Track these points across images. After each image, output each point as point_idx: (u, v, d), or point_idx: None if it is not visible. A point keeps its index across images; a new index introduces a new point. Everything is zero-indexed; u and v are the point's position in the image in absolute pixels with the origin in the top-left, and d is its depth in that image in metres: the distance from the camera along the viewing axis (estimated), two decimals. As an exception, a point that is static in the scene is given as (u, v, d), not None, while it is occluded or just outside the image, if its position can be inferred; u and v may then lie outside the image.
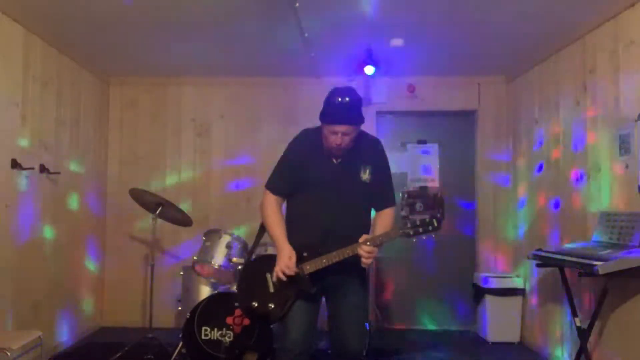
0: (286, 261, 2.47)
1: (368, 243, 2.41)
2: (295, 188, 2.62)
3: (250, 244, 3.73)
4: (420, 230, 2.40)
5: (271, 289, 2.55)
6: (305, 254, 2.50)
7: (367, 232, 2.54)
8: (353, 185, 2.58)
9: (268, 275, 2.56)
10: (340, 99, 2.46)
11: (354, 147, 2.55)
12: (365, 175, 2.59)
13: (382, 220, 2.65)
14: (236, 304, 2.70)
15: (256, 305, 2.55)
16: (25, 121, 3.90)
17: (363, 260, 2.42)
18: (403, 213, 5.05)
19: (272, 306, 2.52)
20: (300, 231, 2.57)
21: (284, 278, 2.47)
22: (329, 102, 2.49)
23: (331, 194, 2.54)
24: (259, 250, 3.78)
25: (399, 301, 5.48)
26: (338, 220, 2.52)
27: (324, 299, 2.66)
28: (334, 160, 2.59)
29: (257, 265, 2.66)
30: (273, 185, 2.66)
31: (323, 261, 2.46)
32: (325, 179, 2.56)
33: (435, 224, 2.39)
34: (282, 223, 2.60)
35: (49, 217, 4.25)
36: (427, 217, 2.40)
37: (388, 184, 2.71)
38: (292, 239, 2.55)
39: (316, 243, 2.50)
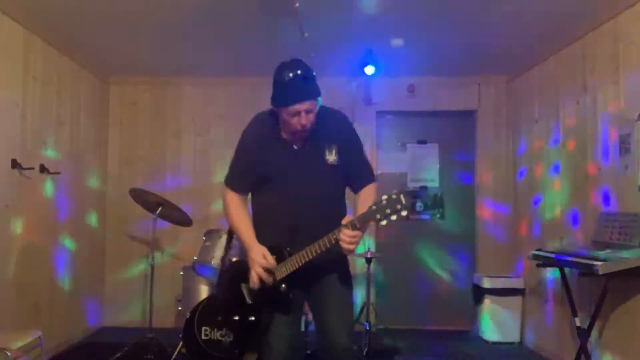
0: (260, 260, 2.24)
1: (349, 227, 2.11)
2: (255, 182, 2.38)
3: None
4: (388, 211, 2.03)
5: (248, 300, 2.35)
6: (273, 257, 2.27)
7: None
8: (319, 171, 2.31)
9: (243, 285, 2.38)
10: (292, 74, 2.17)
11: (314, 127, 2.26)
12: (332, 157, 2.31)
13: (364, 199, 2.35)
14: (219, 318, 2.53)
15: (237, 319, 2.38)
16: (25, 121, 3.90)
17: (344, 246, 2.11)
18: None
19: (253, 319, 2.34)
20: (265, 231, 2.34)
21: (267, 278, 2.26)
22: (281, 82, 2.20)
23: (295, 185, 2.28)
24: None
25: (399, 301, 5.48)
26: (305, 214, 2.27)
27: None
28: (295, 146, 2.32)
29: (231, 275, 2.46)
30: (232, 183, 2.43)
31: (294, 262, 2.23)
32: (287, 169, 2.30)
33: (403, 200, 2.02)
34: (247, 219, 2.38)
35: (48, 217, 4.25)
36: (393, 194, 2.04)
37: (361, 159, 2.44)
38: (258, 240, 2.33)
39: (284, 243, 2.28)
